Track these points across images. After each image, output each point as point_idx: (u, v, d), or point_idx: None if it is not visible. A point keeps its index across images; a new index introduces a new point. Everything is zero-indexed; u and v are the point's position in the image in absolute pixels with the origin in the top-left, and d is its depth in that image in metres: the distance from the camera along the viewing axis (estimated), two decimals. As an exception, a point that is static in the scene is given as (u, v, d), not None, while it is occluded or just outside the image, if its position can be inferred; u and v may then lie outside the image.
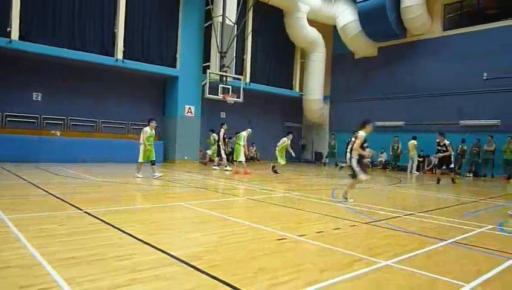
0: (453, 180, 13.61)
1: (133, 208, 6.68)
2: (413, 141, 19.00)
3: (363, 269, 3.74)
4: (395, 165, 20.73)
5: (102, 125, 17.81)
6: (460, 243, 4.99)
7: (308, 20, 22.76)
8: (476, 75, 18.73)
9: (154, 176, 11.48)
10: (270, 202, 7.99)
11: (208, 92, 18.23)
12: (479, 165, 18.56)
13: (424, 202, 9.65)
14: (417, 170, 19.22)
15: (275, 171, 15.12)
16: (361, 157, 7.98)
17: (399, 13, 20.57)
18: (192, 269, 3.54)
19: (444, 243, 4.98)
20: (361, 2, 21.02)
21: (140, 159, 11.66)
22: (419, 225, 6.22)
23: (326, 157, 24.27)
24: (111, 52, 16.87)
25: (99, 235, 4.58)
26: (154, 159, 11.88)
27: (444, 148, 13.34)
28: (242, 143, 14.85)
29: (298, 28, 22.65)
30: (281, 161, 15.13)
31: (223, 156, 16.26)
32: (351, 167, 8.10)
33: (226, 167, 16.14)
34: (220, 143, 16.21)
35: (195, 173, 14.65)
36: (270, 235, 4.99)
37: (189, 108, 19.35)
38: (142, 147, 11.60)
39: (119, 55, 16.92)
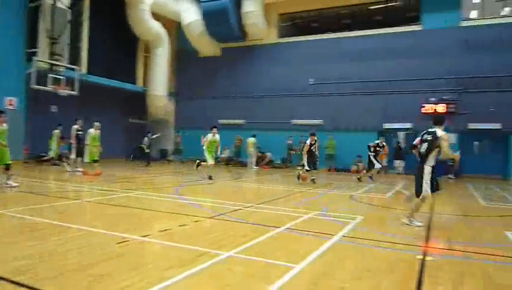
0: (371, 177, 14.65)
1: None
2: (252, 138, 20.50)
3: (206, 262, 3.84)
4: (237, 161, 21.93)
5: None
6: (293, 229, 5.60)
7: (152, 13, 22.05)
8: (304, 79, 21.25)
9: (8, 184, 9.23)
10: (110, 204, 7.49)
11: (34, 82, 15.94)
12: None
13: (262, 194, 10.51)
14: (256, 165, 20.71)
15: (210, 177, 12.64)
16: (435, 165, 6.03)
17: (240, 17, 21.76)
18: (14, 285, 3.05)
19: (279, 230, 5.50)
20: (204, 2, 21.49)
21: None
22: (258, 215, 6.74)
23: (172, 154, 24.12)
24: None
25: None
26: (9, 161, 9.51)
27: (382, 149, 14.92)
28: (88, 142, 13.52)
29: (141, 20, 21.67)
30: (210, 160, 12.88)
31: (72, 156, 14.47)
32: (420, 178, 6.00)
33: (65, 165, 14.38)
34: (71, 141, 14.42)
35: (20, 175, 12.68)
36: (110, 239, 4.67)
37: (10, 100, 16.59)
38: None
39: None
